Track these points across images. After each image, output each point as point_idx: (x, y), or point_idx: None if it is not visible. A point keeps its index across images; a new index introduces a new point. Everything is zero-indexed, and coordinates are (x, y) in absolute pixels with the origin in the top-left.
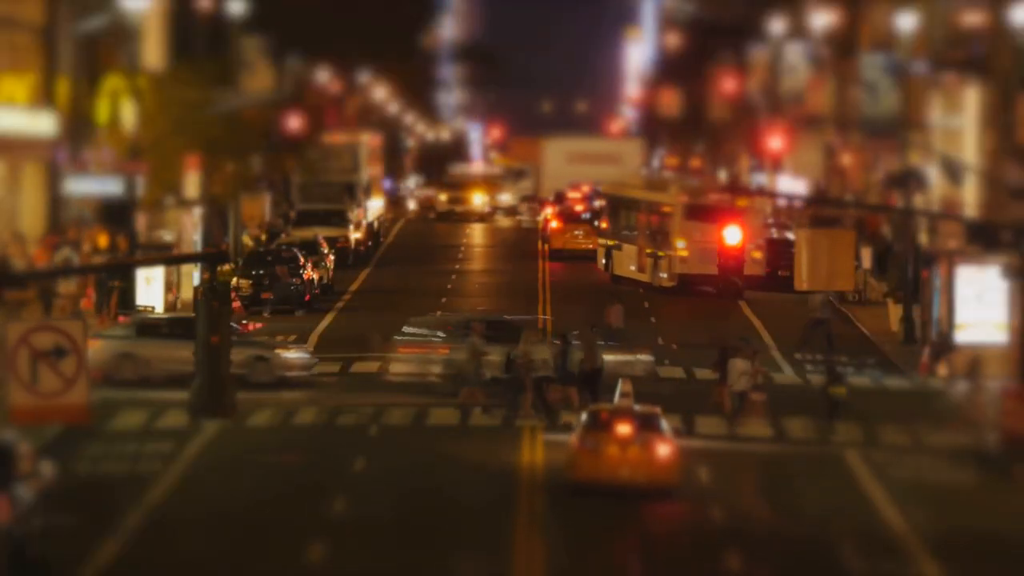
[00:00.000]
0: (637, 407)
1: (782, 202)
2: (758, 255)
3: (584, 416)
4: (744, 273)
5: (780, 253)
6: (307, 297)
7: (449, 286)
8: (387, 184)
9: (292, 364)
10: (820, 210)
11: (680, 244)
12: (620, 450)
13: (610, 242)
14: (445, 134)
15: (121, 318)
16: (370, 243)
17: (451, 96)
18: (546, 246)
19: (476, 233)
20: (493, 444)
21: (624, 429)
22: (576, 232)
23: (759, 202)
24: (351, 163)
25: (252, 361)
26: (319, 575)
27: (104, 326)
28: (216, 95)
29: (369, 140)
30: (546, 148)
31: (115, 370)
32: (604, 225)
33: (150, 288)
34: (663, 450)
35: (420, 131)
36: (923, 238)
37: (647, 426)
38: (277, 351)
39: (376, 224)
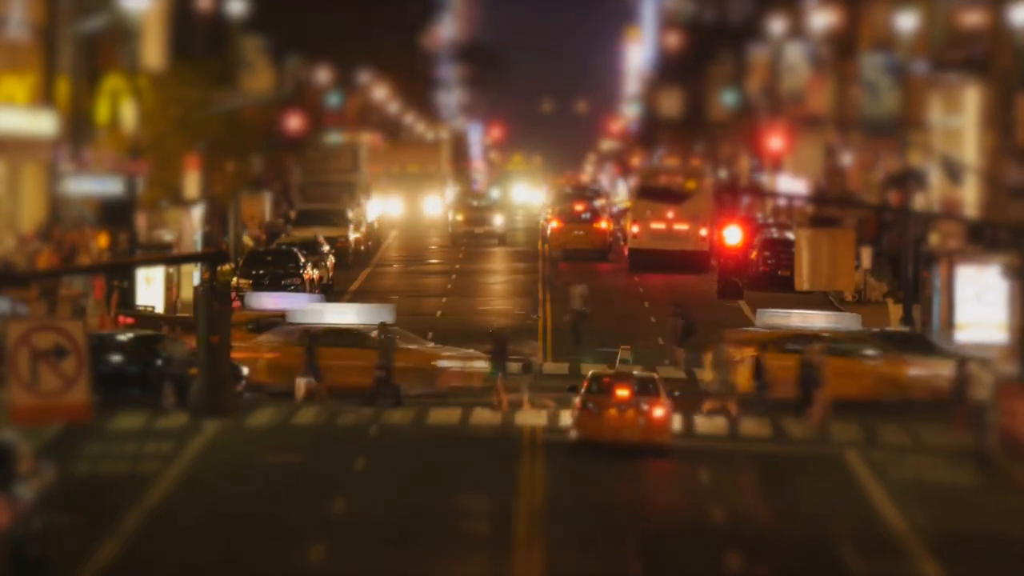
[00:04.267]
0: (636, 372)
1: (782, 202)
2: (704, 232)
3: (587, 381)
4: (698, 249)
5: (780, 253)
6: None
7: (449, 286)
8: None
9: None
10: (820, 210)
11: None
12: (619, 412)
13: None
14: (444, 133)
15: (121, 318)
16: (370, 243)
17: (451, 96)
18: (546, 246)
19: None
20: (492, 444)
21: (623, 392)
22: (576, 232)
23: (708, 183)
24: (351, 163)
25: None
26: (319, 575)
27: (105, 324)
28: (216, 95)
29: (369, 140)
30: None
31: None
32: None
33: (150, 288)
34: (658, 412)
35: (420, 131)
36: (933, 239)
37: (644, 390)
38: None
39: (376, 224)
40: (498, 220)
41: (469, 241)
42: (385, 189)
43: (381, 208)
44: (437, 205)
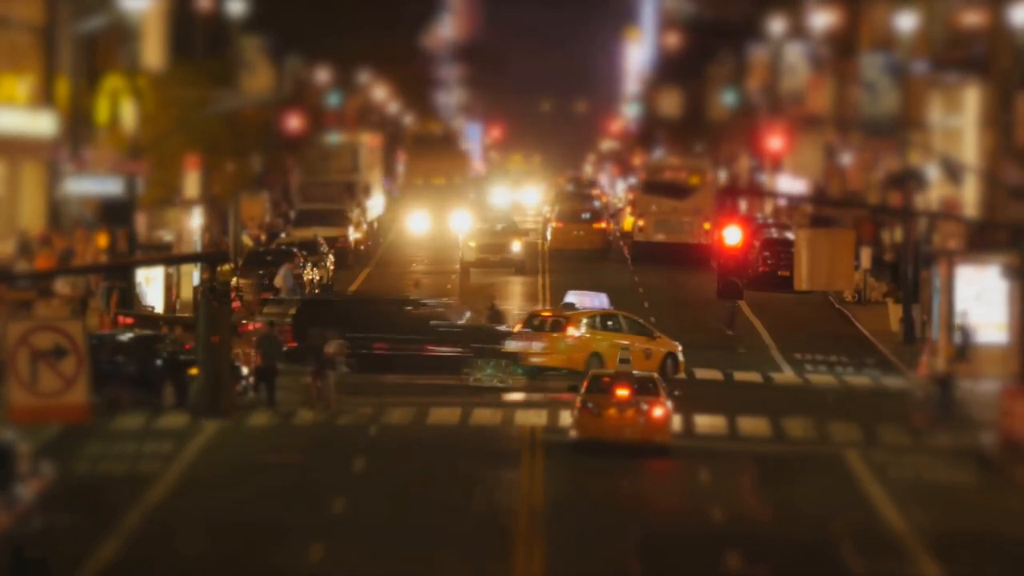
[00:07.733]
0: (635, 372)
1: (782, 202)
2: (707, 226)
3: (587, 380)
4: (700, 242)
5: (780, 253)
6: None
7: (449, 286)
8: (387, 184)
9: None
10: (819, 210)
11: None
12: (619, 411)
13: None
14: (438, 130)
15: (121, 318)
16: (369, 243)
17: (451, 96)
18: (546, 246)
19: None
20: (492, 444)
21: (623, 392)
22: (577, 232)
23: (711, 179)
24: (351, 163)
25: None
26: (318, 575)
27: (104, 326)
28: (216, 95)
29: (369, 140)
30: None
31: None
32: None
33: (150, 288)
34: (658, 411)
35: (418, 131)
36: (935, 239)
37: (644, 390)
38: None
39: (376, 224)
40: (516, 247)
41: (481, 271)
42: (409, 204)
43: (406, 224)
44: (466, 220)
